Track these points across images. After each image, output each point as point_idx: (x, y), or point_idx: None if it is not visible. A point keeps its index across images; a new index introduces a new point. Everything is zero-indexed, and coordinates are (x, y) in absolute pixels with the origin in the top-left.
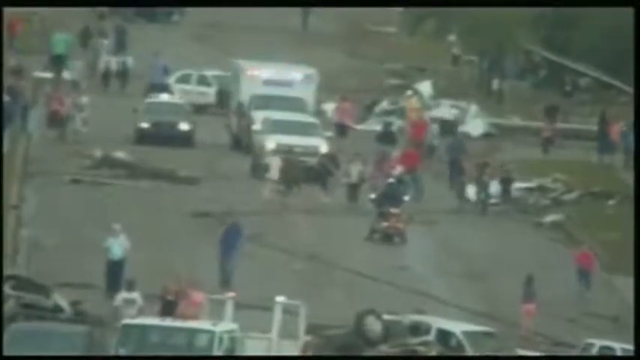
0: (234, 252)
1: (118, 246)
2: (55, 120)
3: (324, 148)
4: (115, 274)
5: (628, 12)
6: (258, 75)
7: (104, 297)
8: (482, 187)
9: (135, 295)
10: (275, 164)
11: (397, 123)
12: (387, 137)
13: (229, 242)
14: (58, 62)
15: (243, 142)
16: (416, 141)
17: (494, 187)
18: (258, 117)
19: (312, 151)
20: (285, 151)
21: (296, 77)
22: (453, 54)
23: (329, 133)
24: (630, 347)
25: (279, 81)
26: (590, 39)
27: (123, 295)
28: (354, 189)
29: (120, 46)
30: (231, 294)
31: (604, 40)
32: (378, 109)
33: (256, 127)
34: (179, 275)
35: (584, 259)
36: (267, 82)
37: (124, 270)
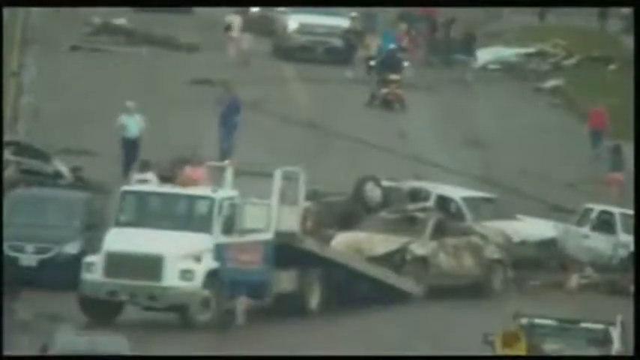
0: (234, 127)
1: (134, 124)
2: None
3: (345, 26)
4: (131, 153)
5: None
6: None
7: (106, 164)
8: (449, 45)
9: (149, 175)
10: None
11: None
12: None
13: (228, 117)
14: None
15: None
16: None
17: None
18: None
19: (337, 32)
20: (308, 32)
21: None
22: None
23: (354, 13)
24: (630, 212)
25: None
26: None
27: (136, 176)
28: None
29: None
30: (230, 161)
31: None
32: None
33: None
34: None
35: (597, 119)
36: None
37: (140, 149)
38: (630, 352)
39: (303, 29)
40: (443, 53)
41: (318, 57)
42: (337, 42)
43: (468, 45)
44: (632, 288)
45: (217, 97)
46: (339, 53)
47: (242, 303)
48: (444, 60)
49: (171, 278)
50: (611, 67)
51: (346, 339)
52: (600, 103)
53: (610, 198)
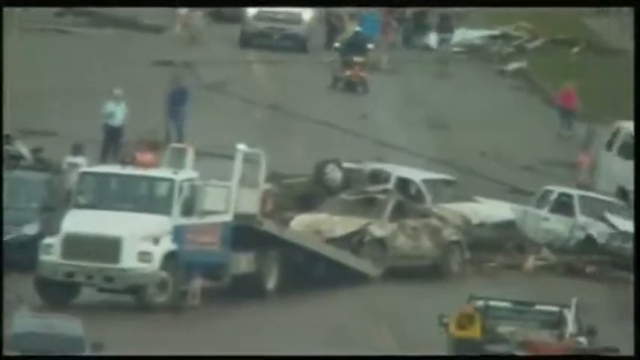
0: (181, 112)
1: (120, 112)
2: None
3: (306, 14)
4: (114, 141)
5: None
6: None
7: (67, 145)
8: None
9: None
10: None
11: None
12: None
13: (172, 105)
14: None
15: None
16: None
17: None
18: None
19: (296, 18)
20: (266, 17)
21: None
22: None
23: None
24: (589, 194)
25: None
26: None
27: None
28: None
29: None
30: (190, 143)
31: None
32: None
33: None
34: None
35: (567, 98)
36: None
37: (123, 136)
38: (583, 334)
39: (262, 15)
40: (416, 35)
41: (274, 44)
42: (296, 29)
43: (447, 23)
44: (588, 269)
45: (169, 82)
46: (298, 40)
47: (198, 284)
48: (417, 42)
49: (128, 260)
50: (575, 49)
51: (303, 320)
52: (565, 84)
53: (576, 180)
